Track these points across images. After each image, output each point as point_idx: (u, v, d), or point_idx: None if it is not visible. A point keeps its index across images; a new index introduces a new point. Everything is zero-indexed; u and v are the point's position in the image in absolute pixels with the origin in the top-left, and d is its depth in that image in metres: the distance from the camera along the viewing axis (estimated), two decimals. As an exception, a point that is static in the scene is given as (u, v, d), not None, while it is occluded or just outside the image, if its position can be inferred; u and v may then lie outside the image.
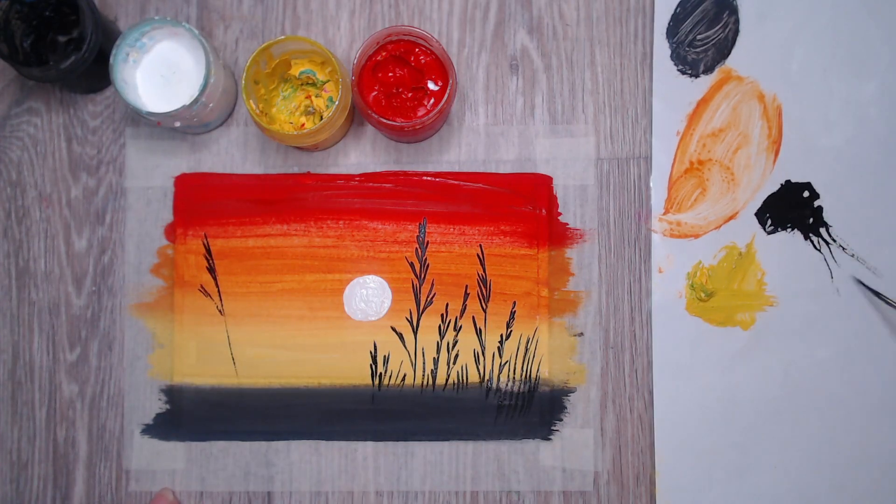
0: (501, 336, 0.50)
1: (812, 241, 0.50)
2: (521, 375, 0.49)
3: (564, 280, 0.50)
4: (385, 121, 0.45)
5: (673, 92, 0.50)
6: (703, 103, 0.50)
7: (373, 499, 0.49)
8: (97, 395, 0.50)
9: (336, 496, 0.49)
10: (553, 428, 0.49)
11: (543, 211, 0.50)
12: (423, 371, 0.49)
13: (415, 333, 0.50)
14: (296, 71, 0.48)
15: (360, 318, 0.50)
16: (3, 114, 0.51)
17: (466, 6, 0.51)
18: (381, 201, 0.50)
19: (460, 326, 0.50)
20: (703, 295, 0.50)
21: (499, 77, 0.51)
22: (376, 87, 0.47)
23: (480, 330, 0.50)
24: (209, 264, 0.50)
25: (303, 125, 0.48)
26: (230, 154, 0.51)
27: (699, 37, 0.50)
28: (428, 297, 0.50)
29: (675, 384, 0.49)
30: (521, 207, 0.50)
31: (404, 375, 0.49)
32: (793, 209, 0.50)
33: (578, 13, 0.51)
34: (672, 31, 0.50)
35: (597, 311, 0.50)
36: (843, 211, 0.50)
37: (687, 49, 0.50)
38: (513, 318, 0.50)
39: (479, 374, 0.49)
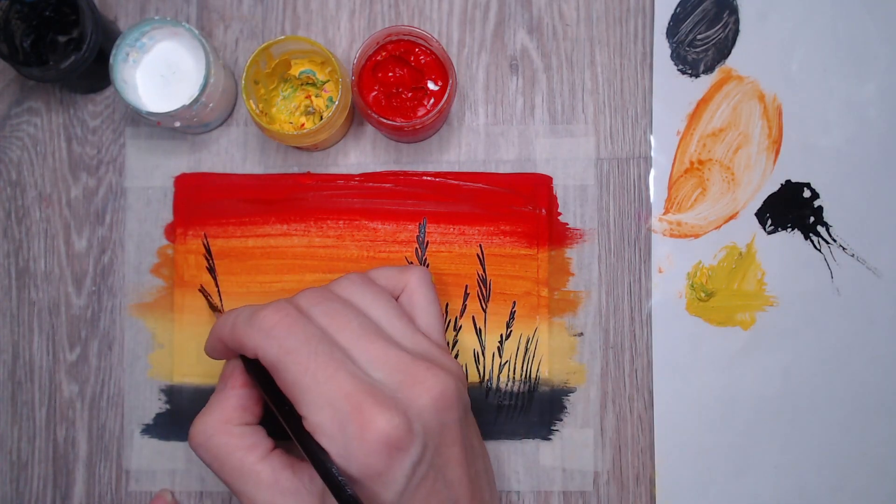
0: (501, 336, 0.50)
1: (812, 241, 0.50)
2: (521, 375, 0.49)
3: (564, 280, 0.50)
4: (385, 121, 0.45)
5: (673, 92, 0.50)
6: (703, 103, 0.50)
7: (373, 499, 0.49)
8: (97, 395, 0.50)
9: (336, 496, 0.49)
10: (553, 428, 0.49)
11: (543, 211, 0.50)
12: (423, 371, 0.49)
13: (415, 333, 0.49)
14: (296, 71, 0.48)
15: (360, 318, 0.50)
16: (3, 114, 0.51)
17: (466, 6, 0.51)
18: (381, 201, 0.50)
19: (460, 326, 0.50)
20: (703, 295, 0.50)
21: (499, 77, 0.51)
22: (376, 87, 0.47)
23: (480, 330, 0.50)
24: (209, 264, 0.50)
25: (303, 125, 0.48)
26: (230, 154, 0.51)
27: (699, 37, 0.50)
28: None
29: (675, 384, 0.49)
30: (521, 207, 0.50)
31: (404, 375, 0.49)
32: (793, 209, 0.50)
33: (578, 13, 0.51)
34: (672, 31, 0.50)
35: (597, 311, 0.50)
36: (843, 211, 0.50)
37: (687, 49, 0.50)
38: (513, 318, 0.50)
39: (479, 374, 0.49)
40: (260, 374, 0.36)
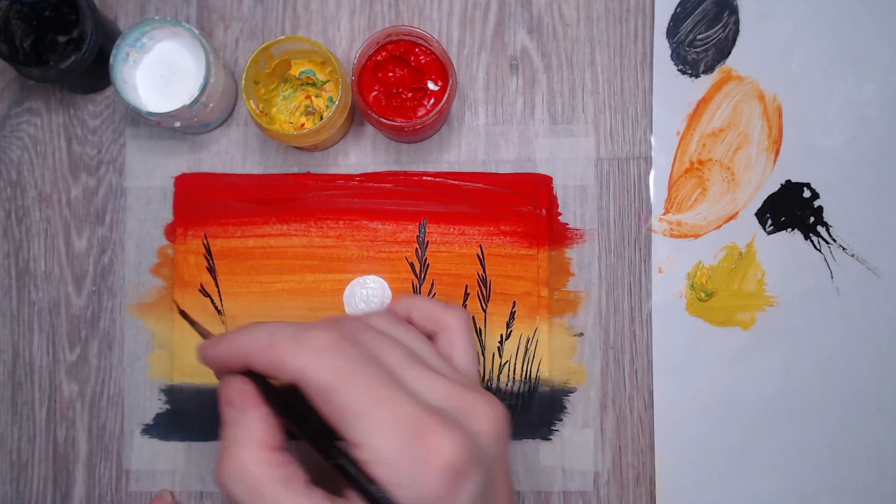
0: (501, 336, 0.50)
1: (812, 241, 0.50)
2: (521, 375, 0.49)
3: (564, 280, 0.50)
4: (385, 121, 0.45)
5: (673, 92, 0.50)
6: (703, 103, 0.50)
7: (373, 499, 0.49)
8: (97, 395, 0.50)
9: (336, 496, 0.49)
10: (553, 428, 0.49)
11: (543, 211, 0.50)
12: (423, 371, 0.49)
13: (415, 333, 0.49)
14: (296, 71, 0.48)
15: (360, 318, 0.50)
16: (3, 114, 0.51)
17: (466, 6, 0.51)
18: (381, 201, 0.50)
19: (460, 326, 0.50)
20: (703, 295, 0.50)
21: (499, 77, 0.51)
22: (376, 87, 0.47)
23: (480, 330, 0.50)
24: (209, 264, 0.50)
25: (303, 125, 0.48)
26: (230, 154, 0.51)
27: (699, 37, 0.50)
28: (428, 296, 0.50)
29: (675, 384, 0.49)
30: (521, 207, 0.50)
31: (404, 375, 0.49)
32: (793, 209, 0.50)
33: (578, 13, 0.51)
34: (672, 31, 0.50)
35: (597, 311, 0.50)
36: (843, 211, 0.50)
37: (687, 49, 0.50)
38: (513, 318, 0.50)
39: (479, 374, 0.49)
40: (278, 401, 0.34)
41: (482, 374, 0.49)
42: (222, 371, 0.36)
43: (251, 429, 0.33)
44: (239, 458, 0.33)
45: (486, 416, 0.34)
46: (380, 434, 0.31)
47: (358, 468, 0.31)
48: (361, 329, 0.35)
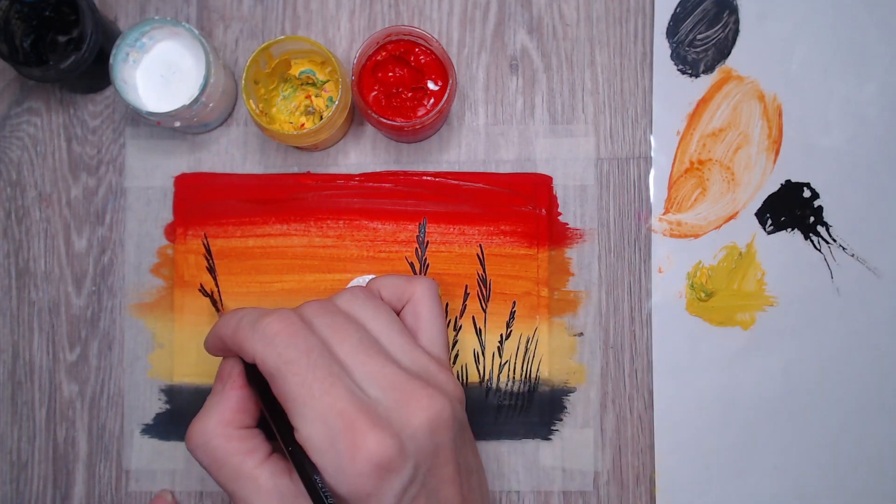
0: (501, 336, 0.50)
1: (812, 241, 0.50)
2: (521, 375, 0.49)
3: (564, 280, 0.50)
4: (385, 121, 0.45)
5: (673, 92, 0.50)
6: (703, 103, 0.50)
7: (373, 499, 0.49)
8: (97, 395, 0.50)
9: (336, 496, 0.49)
10: (553, 428, 0.49)
11: (543, 211, 0.50)
12: (423, 371, 0.49)
13: (415, 333, 0.49)
14: (296, 71, 0.48)
15: (360, 318, 0.49)
16: (3, 114, 0.51)
17: (466, 6, 0.51)
18: (381, 201, 0.50)
19: (460, 326, 0.50)
20: (703, 295, 0.50)
21: (499, 77, 0.51)
22: (376, 87, 0.47)
23: (480, 330, 0.50)
24: (209, 264, 0.50)
25: (303, 125, 0.48)
26: (230, 154, 0.51)
27: (699, 36, 0.50)
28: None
29: (675, 384, 0.49)
30: (521, 207, 0.50)
31: (404, 375, 0.49)
32: (793, 209, 0.50)
33: (578, 13, 0.51)
34: (672, 31, 0.50)
35: (597, 311, 0.50)
36: (843, 211, 0.50)
37: (687, 49, 0.50)
38: (513, 317, 0.50)
39: (479, 373, 0.49)
40: (257, 379, 0.36)
41: (482, 373, 0.49)
42: (222, 355, 0.39)
43: (224, 406, 0.37)
44: (205, 427, 0.36)
45: (423, 409, 0.35)
46: (312, 425, 0.33)
47: (304, 453, 0.33)
48: (323, 312, 0.37)
